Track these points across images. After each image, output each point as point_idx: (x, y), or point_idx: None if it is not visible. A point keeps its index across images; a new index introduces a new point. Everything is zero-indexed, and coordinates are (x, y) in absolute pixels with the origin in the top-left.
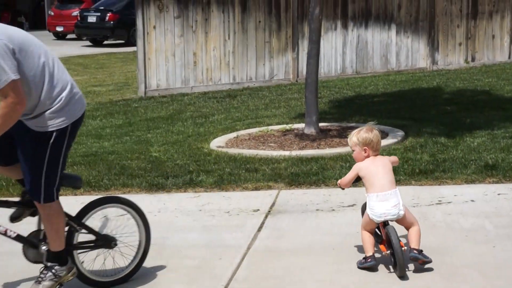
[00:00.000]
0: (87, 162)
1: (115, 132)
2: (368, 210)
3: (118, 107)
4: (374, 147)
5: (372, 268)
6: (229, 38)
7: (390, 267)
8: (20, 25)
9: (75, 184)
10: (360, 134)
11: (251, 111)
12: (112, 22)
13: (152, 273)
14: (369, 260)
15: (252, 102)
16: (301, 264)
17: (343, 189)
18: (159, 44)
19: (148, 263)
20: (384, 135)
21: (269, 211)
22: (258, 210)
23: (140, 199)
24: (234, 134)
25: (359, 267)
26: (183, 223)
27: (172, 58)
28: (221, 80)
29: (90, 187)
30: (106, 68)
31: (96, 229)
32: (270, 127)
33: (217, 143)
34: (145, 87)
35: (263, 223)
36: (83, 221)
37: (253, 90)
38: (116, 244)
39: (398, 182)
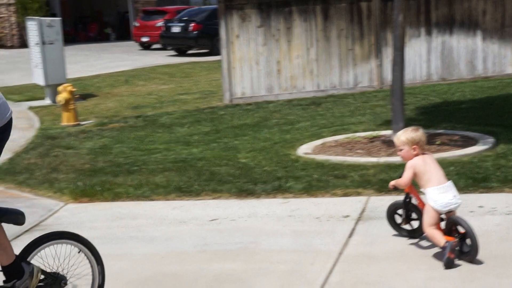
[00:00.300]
0: (177, 168)
1: (203, 139)
2: (432, 204)
3: (204, 115)
4: (422, 146)
5: (454, 250)
6: (312, 46)
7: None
8: (107, 36)
9: (16, 221)
10: (408, 134)
11: (336, 118)
12: (195, 32)
13: (245, 277)
14: (446, 244)
15: (337, 109)
16: (394, 270)
17: (395, 190)
18: (243, 53)
19: (240, 267)
20: (473, 142)
21: (359, 217)
22: (348, 216)
23: (230, 204)
24: (320, 141)
25: (446, 263)
26: (273, 229)
27: (256, 67)
28: (305, 87)
29: (181, 193)
30: (192, 77)
31: (44, 267)
32: (357, 134)
33: (304, 150)
34: (230, 95)
35: (353, 229)
36: (28, 259)
37: (338, 97)
38: (66, 284)
39: (490, 189)
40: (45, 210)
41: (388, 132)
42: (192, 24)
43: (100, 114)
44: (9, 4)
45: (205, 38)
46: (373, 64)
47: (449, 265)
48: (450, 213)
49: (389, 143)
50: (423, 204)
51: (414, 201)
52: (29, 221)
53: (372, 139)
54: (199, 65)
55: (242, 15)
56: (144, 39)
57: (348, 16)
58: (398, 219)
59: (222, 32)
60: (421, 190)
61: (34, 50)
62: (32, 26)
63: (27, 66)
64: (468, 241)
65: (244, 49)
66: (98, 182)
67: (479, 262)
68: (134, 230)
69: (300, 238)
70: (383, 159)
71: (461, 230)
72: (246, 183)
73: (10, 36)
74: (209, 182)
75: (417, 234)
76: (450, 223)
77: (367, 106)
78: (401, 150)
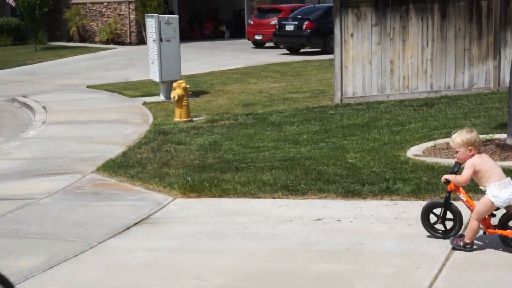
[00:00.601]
0: (285, 166)
1: (311, 138)
2: (492, 199)
3: (314, 114)
4: (477, 146)
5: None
6: (427, 46)
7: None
8: (221, 34)
9: None
10: (464, 136)
11: (449, 120)
12: (308, 31)
13: (347, 279)
14: (470, 247)
15: (450, 111)
16: (502, 279)
17: (446, 183)
18: (356, 52)
19: (344, 268)
20: None
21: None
22: None
23: (336, 204)
24: (431, 143)
25: (453, 247)
26: (379, 230)
27: (369, 66)
28: (418, 88)
29: (287, 191)
30: (303, 76)
31: None
32: None
33: (414, 152)
34: (341, 94)
35: (462, 234)
36: None
37: (451, 98)
38: None
39: None
40: (154, 204)
41: (502, 136)
42: (306, 23)
43: (212, 111)
44: (130, 2)
45: (317, 37)
46: (490, 65)
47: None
48: (508, 207)
49: (503, 147)
50: (471, 201)
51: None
52: (139, 214)
53: (486, 143)
54: (311, 64)
55: (357, 13)
56: (258, 37)
57: (467, 15)
58: (432, 220)
59: (336, 31)
60: (481, 187)
61: (151, 47)
62: (151, 23)
63: (143, 62)
64: None
65: (358, 48)
66: (207, 178)
67: None
68: (240, 227)
69: (406, 241)
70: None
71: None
72: (353, 184)
73: (129, 33)
74: (316, 181)
75: (450, 234)
76: (508, 218)
77: (482, 108)
78: (457, 152)
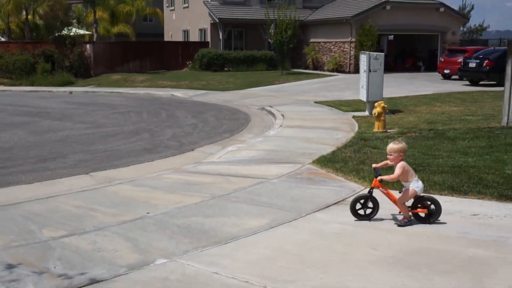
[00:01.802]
0: (453, 171)
1: (478, 151)
2: (416, 189)
3: (483, 133)
4: (405, 153)
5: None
6: None
7: None
8: (418, 68)
9: None
10: (399, 145)
11: None
12: (488, 68)
13: (491, 263)
14: (410, 219)
15: None
16: None
17: (373, 184)
18: None
19: (490, 255)
20: None
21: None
22: None
23: (490, 205)
24: None
25: (401, 225)
26: None
27: None
28: None
29: (452, 191)
30: (479, 103)
31: None
32: None
33: None
34: (508, 119)
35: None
36: None
37: None
38: None
39: None
40: (350, 190)
41: None
42: (486, 61)
43: (402, 125)
44: (351, 42)
45: (494, 73)
46: None
47: (402, 226)
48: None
49: None
50: (390, 192)
51: (374, 194)
52: (337, 197)
53: None
54: (487, 94)
55: None
56: (446, 71)
57: None
58: (358, 207)
59: (508, 68)
60: (404, 182)
61: (362, 75)
62: (363, 58)
63: (356, 86)
64: (433, 208)
65: None
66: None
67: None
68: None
69: None
70: None
71: (426, 204)
72: (507, 190)
73: (348, 64)
74: (476, 185)
75: (369, 218)
76: (418, 201)
77: None
78: (390, 155)
